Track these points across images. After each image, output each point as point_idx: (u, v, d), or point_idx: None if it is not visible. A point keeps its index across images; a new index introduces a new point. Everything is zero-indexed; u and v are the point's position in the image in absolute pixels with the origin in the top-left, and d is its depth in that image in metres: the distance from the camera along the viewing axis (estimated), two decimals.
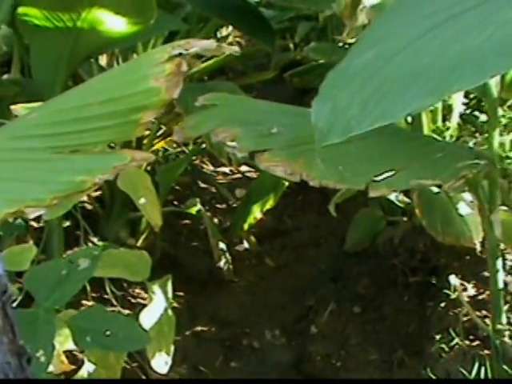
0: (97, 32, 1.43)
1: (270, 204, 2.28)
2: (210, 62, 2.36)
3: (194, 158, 2.67)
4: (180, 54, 0.77)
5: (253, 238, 2.39)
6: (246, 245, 2.39)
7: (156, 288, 1.70)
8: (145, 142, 2.17)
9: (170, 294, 1.74)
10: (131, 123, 0.77)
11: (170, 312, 1.70)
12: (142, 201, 1.65)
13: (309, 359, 1.92)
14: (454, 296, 1.76)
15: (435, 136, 2.19)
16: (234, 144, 0.92)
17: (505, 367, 1.46)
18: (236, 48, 0.81)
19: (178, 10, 2.28)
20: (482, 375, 1.49)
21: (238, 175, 2.77)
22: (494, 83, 1.54)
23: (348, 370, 1.83)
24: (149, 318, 1.65)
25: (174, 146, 2.59)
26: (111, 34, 1.44)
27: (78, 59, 1.53)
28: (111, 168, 0.78)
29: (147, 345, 1.25)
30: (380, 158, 0.98)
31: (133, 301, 2.05)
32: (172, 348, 1.66)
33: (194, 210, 2.22)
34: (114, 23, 1.40)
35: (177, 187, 2.58)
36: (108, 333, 1.14)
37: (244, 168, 2.74)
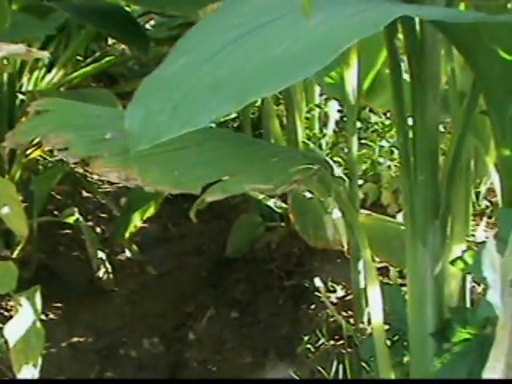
0: None
1: (150, 212, 2.28)
2: (88, 68, 2.34)
3: (76, 166, 2.63)
4: None
5: (135, 247, 2.38)
6: (128, 254, 2.38)
7: (23, 300, 1.67)
8: (18, 151, 2.12)
9: (38, 306, 1.71)
10: None
11: (38, 324, 1.67)
12: (6, 211, 1.61)
13: (185, 365, 1.93)
14: (326, 301, 1.82)
15: (310, 143, 2.26)
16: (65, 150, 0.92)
17: (363, 364, 1.51)
18: (46, 53, 0.81)
19: (54, 15, 2.24)
20: (341, 373, 1.55)
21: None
22: (351, 91, 1.61)
23: (223, 375, 1.85)
24: (15, 330, 1.61)
25: (55, 154, 2.54)
26: None
27: None
28: None
29: None
30: (217, 162, 1.00)
31: (5, 314, 1.99)
32: (40, 360, 1.63)
33: (71, 220, 2.19)
34: None
35: (58, 197, 2.54)
36: None
37: None
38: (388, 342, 1.30)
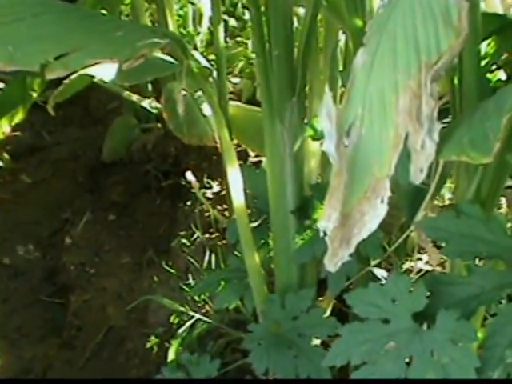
0: None
1: (19, 117, 2.15)
2: None
3: None
4: None
5: (6, 155, 2.27)
6: None
7: None
8: None
9: None
10: None
11: None
12: None
13: (63, 270, 1.89)
14: (199, 195, 1.81)
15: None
16: None
17: (236, 253, 1.53)
18: None
19: None
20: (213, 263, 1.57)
21: None
22: None
23: (101, 276, 1.83)
24: None
25: None
26: None
27: None
28: None
29: None
30: (56, 36, 0.93)
31: None
32: None
33: None
34: None
35: None
36: None
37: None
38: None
